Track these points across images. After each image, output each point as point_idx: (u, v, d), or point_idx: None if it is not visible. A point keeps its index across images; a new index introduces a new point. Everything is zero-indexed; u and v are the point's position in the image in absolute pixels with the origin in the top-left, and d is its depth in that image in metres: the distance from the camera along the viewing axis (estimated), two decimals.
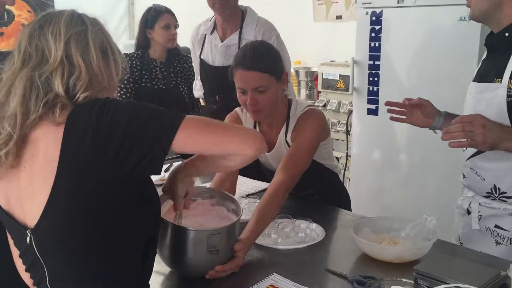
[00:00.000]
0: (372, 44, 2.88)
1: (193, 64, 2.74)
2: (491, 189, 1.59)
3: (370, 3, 2.88)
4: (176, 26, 2.86)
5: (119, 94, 2.85)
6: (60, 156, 1.01)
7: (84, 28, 1.10)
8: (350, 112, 3.26)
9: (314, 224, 1.69)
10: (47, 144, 1.04)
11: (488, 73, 1.58)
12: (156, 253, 1.26)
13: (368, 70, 2.92)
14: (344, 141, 3.42)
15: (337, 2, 3.77)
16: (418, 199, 2.75)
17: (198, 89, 2.71)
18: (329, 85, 3.48)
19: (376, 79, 2.91)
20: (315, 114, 1.82)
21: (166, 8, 2.89)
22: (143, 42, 2.86)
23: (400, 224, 1.59)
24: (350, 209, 2.07)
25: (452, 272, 1.31)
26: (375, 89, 2.92)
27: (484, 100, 1.56)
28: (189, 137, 1.06)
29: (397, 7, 2.76)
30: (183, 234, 1.33)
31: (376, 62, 2.90)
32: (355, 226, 1.58)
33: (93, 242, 1.06)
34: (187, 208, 1.37)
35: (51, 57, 1.06)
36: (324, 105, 3.45)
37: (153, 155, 1.03)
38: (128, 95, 2.83)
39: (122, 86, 2.87)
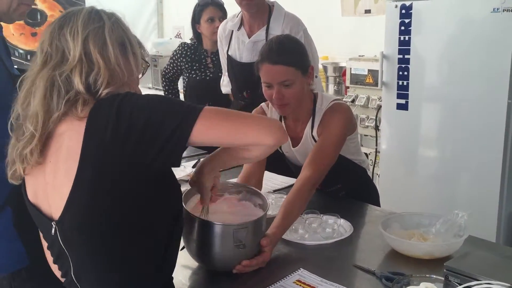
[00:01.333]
0: (402, 38, 2.83)
1: (220, 60, 2.75)
2: None
3: None
4: (222, 18, 2.88)
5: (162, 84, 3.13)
6: (82, 150, 1.03)
7: (101, 24, 1.12)
8: (379, 107, 3.21)
9: (342, 220, 1.68)
10: (70, 138, 1.07)
11: None
12: (180, 247, 1.27)
13: (398, 64, 2.87)
14: (373, 137, 3.37)
15: None
16: (449, 195, 2.69)
17: (225, 85, 2.72)
18: (357, 80, 3.44)
19: (406, 73, 2.85)
20: (341, 108, 1.80)
21: (212, 0, 2.93)
22: (196, 36, 3.02)
23: (430, 220, 1.56)
24: (379, 205, 2.04)
25: (484, 269, 1.27)
26: (405, 83, 2.87)
27: None
28: (208, 128, 1.06)
29: None
30: (209, 229, 1.34)
31: (406, 56, 2.84)
32: (384, 222, 1.55)
33: (114, 234, 1.08)
34: (214, 202, 1.38)
35: (70, 56, 1.08)
36: (353, 101, 3.41)
37: (172, 147, 1.04)
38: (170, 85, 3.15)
39: (162, 73, 3.11)
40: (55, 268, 1.20)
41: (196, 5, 2.99)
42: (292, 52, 1.71)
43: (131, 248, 1.11)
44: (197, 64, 3.02)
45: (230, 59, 2.59)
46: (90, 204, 1.05)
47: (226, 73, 2.68)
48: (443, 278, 1.26)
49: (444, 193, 2.70)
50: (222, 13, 2.93)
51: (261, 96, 1.81)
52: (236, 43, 2.55)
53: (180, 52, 3.06)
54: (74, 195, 1.05)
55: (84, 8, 1.16)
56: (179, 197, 1.23)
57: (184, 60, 3.05)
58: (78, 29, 1.09)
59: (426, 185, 2.82)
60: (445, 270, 1.30)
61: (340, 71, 3.67)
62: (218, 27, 2.80)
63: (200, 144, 1.08)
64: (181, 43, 3.15)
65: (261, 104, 1.95)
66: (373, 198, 2.07)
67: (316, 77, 2.39)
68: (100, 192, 1.05)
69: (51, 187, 1.10)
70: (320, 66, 3.63)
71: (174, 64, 3.11)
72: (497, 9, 2.41)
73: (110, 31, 1.12)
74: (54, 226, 1.10)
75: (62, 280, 1.19)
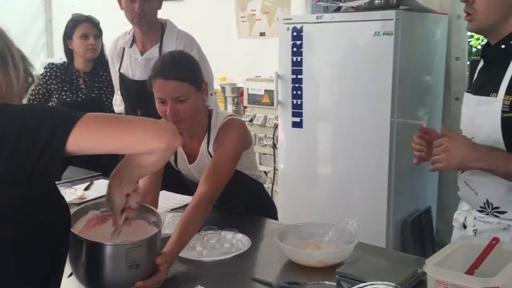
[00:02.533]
0: (294, 59, 2.95)
1: (112, 78, 2.66)
2: (484, 203, 1.53)
3: (291, 19, 2.97)
4: (97, 35, 2.79)
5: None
6: None
7: None
8: (276, 126, 3.30)
9: (240, 234, 1.68)
10: None
11: (484, 85, 1.53)
12: (68, 274, 1.18)
13: (292, 84, 2.98)
14: (272, 155, 3.45)
15: (260, 19, 3.84)
16: (343, 207, 2.81)
17: (118, 104, 2.63)
18: (255, 100, 3.51)
19: (299, 92, 2.97)
20: (236, 124, 1.82)
21: (87, 17, 2.82)
22: (67, 53, 2.85)
23: (324, 229, 1.61)
24: (277, 219, 2.07)
25: (372, 272, 1.34)
26: (299, 102, 2.98)
27: (480, 113, 1.51)
28: (86, 134, 0.98)
29: (316, 22, 2.85)
30: (99, 250, 1.26)
31: (299, 76, 2.96)
32: (280, 234, 1.58)
33: None
34: (128, 225, 1.27)
35: None
36: (251, 120, 3.47)
37: (49, 157, 0.96)
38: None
39: (31, 97, 2.82)
40: None
41: (69, 21, 2.82)
42: (185, 67, 1.70)
43: (6, 274, 1.01)
44: (68, 85, 2.80)
45: (122, 76, 2.52)
46: None
47: (119, 92, 2.60)
48: (335, 284, 1.30)
49: (339, 206, 2.82)
50: (97, 31, 2.81)
51: (155, 114, 1.77)
52: (128, 60, 2.49)
53: (49, 73, 2.81)
54: None
55: None
56: (64, 216, 1.14)
57: (54, 81, 2.81)
58: None
59: (323, 199, 2.93)
60: (337, 276, 1.35)
61: (238, 92, 3.73)
62: (91, 44, 2.74)
63: (82, 153, 1.00)
64: (49, 64, 2.91)
65: None
66: (271, 213, 2.09)
67: (212, 94, 2.40)
68: None
69: None
70: (218, 87, 3.67)
71: (43, 87, 2.84)
72: (378, 32, 2.60)
73: None
74: None
75: None
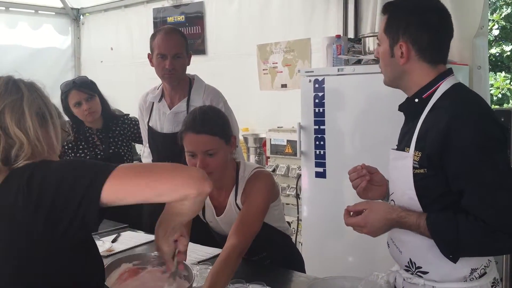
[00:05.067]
0: (317, 110, 3.00)
1: (141, 131, 2.73)
2: (408, 262, 1.51)
3: (313, 71, 3.04)
4: (89, 97, 2.69)
5: None
6: None
7: (19, 96, 1.09)
8: (299, 176, 3.31)
9: None
10: None
11: (401, 140, 1.57)
12: None
13: (314, 134, 3.01)
14: (295, 205, 3.44)
15: (282, 72, 3.94)
16: (369, 259, 2.77)
17: (146, 156, 2.70)
18: (277, 150, 3.55)
19: (322, 142, 3.00)
20: (264, 176, 1.84)
21: (73, 82, 2.71)
22: (72, 119, 2.75)
23: (352, 283, 1.59)
24: (304, 271, 2.05)
25: None
26: (322, 152, 3.00)
27: (395, 169, 1.53)
28: (119, 186, 1.01)
29: (338, 75, 2.91)
30: None
31: (321, 127, 3.00)
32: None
33: None
34: (181, 268, 1.31)
35: None
36: (274, 170, 3.50)
37: (85, 209, 0.99)
38: None
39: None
40: None
41: (61, 93, 2.71)
42: (215, 122, 1.75)
43: None
44: (83, 143, 2.75)
45: (151, 130, 2.59)
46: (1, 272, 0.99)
47: (147, 144, 2.67)
48: None
49: (365, 257, 2.78)
50: (88, 93, 2.69)
51: None
52: (157, 114, 2.57)
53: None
54: None
55: (0, 78, 1.12)
56: (100, 269, 1.17)
57: (66, 141, 2.71)
58: None
59: (348, 250, 2.89)
60: None
61: (261, 142, 3.78)
62: (86, 109, 2.66)
63: (117, 203, 1.03)
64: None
65: None
66: (298, 264, 2.08)
67: (237, 146, 2.45)
68: (11, 261, 0.99)
69: None
70: (241, 138, 3.73)
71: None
72: None
73: (29, 102, 1.09)
74: None
75: None
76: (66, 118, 2.68)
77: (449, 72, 1.50)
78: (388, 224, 1.48)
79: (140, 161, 3.00)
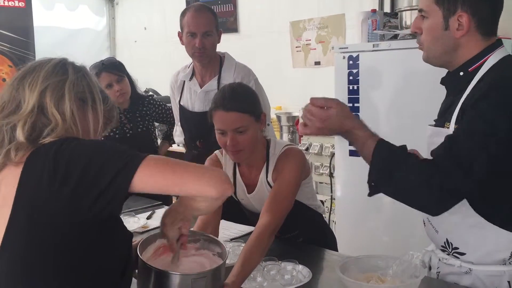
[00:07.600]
0: (351, 87, 2.94)
1: (173, 110, 2.75)
2: (445, 242, 1.46)
3: (347, 47, 2.97)
4: (119, 79, 2.69)
5: None
6: (15, 195, 1.01)
7: (64, 78, 1.10)
8: (333, 154, 3.27)
9: (300, 266, 1.66)
10: (6, 185, 1.04)
11: (441, 116, 1.50)
12: None
13: None
14: (328, 184, 3.41)
15: (315, 49, 3.87)
16: (404, 237, 2.72)
17: (178, 135, 2.71)
18: None
19: None
20: (294, 153, 1.82)
21: (103, 63, 2.70)
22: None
23: (387, 262, 1.56)
24: (336, 250, 2.04)
25: None
26: None
27: (434, 145, 1.41)
28: (148, 177, 1.03)
29: (373, 51, 2.84)
30: (167, 279, 1.28)
31: (356, 104, 2.94)
32: (342, 266, 1.54)
33: (51, 286, 1.03)
34: (184, 249, 1.34)
35: (23, 107, 1.07)
36: (307, 149, 3.47)
37: (112, 194, 1.01)
38: None
39: None
40: None
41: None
42: (245, 99, 1.73)
43: None
44: None
45: (182, 109, 2.60)
46: (25, 254, 1.01)
47: (179, 123, 2.68)
48: None
49: (399, 235, 2.74)
50: (118, 74, 2.68)
51: (214, 145, 1.81)
52: (188, 93, 2.57)
53: None
54: (6, 244, 1.01)
55: (53, 59, 1.15)
56: (124, 246, 1.19)
57: None
58: (38, 80, 1.08)
59: (383, 229, 2.85)
60: None
61: (293, 121, 3.75)
62: (118, 90, 2.65)
63: (142, 192, 1.06)
64: None
65: (215, 152, 1.95)
66: (331, 243, 2.06)
67: (268, 125, 2.43)
68: (35, 240, 1.01)
69: None
70: (274, 116, 3.70)
71: None
72: None
73: (72, 85, 1.10)
74: None
75: None
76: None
77: (499, 43, 1.41)
78: (340, 130, 1.44)
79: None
